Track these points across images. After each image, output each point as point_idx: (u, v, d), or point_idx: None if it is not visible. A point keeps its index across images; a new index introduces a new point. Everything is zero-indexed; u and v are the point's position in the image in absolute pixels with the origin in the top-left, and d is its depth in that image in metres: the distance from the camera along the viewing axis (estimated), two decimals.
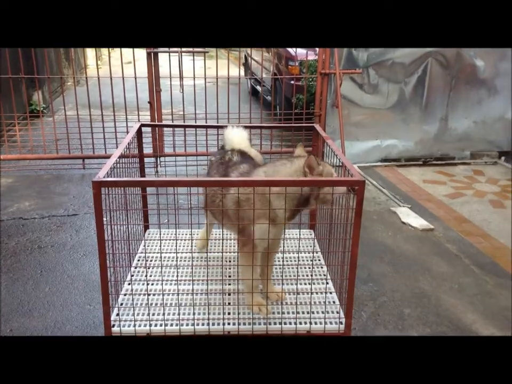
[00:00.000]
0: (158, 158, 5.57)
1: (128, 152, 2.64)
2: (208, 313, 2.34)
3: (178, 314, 2.38)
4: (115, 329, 2.28)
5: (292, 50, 7.09)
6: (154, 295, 2.53)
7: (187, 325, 2.33)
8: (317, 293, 2.56)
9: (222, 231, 2.68)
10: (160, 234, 2.74)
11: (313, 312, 2.41)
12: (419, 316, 3.18)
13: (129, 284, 2.57)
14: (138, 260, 2.87)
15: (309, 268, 2.71)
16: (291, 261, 2.83)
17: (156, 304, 2.46)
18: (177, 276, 2.55)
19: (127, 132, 3.83)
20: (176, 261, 2.70)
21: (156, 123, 5.44)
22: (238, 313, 2.38)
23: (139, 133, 2.98)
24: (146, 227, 3.15)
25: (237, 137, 2.73)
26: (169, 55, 5.33)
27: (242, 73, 9.83)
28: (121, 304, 2.47)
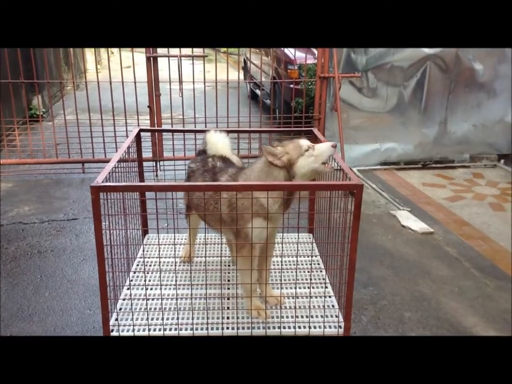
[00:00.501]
0: (158, 163, 5.58)
1: (127, 156, 2.65)
2: (207, 318, 2.34)
3: (177, 319, 2.38)
4: (114, 334, 2.28)
5: (290, 54, 7.11)
6: (153, 299, 2.53)
7: (186, 329, 2.33)
8: (316, 297, 2.56)
9: (221, 236, 2.68)
10: (158, 239, 2.74)
11: (312, 316, 2.41)
12: (419, 319, 3.17)
13: (128, 289, 2.56)
14: (138, 265, 2.87)
15: (308, 271, 2.72)
16: (290, 265, 2.82)
17: (155, 308, 2.46)
18: (176, 281, 2.55)
19: (127, 136, 3.84)
20: (175, 265, 2.70)
21: (155, 128, 5.44)
22: (237, 318, 2.38)
23: (138, 137, 2.99)
24: (145, 232, 3.15)
25: (221, 143, 2.69)
26: (169, 59, 5.33)
27: (242, 77, 9.85)
28: (120, 309, 2.47)
